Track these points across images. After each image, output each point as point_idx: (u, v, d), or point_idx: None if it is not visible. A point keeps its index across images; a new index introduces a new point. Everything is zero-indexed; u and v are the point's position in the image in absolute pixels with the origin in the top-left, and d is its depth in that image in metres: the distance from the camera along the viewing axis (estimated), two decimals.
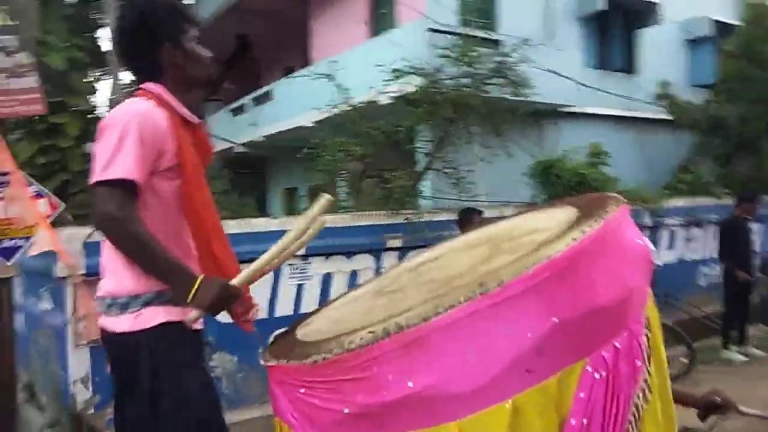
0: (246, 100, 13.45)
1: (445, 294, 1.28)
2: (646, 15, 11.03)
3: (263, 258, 1.68)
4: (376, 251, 5.58)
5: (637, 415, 1.34)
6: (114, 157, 1.58)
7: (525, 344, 1.23)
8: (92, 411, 4.22)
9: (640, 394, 1.35)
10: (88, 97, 10.86)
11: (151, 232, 1.60)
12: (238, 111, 13.95)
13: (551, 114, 9.57)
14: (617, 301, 1.33)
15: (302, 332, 1.60)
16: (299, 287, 5.16)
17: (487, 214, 5.68)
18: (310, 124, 8.93)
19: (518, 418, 1.23)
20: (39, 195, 3.99)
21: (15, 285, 5.91)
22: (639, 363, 1.36)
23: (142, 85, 1.78)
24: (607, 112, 10.43)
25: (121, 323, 1.66)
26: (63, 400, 4.35)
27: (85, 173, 9.94)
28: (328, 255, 5.26)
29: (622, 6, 10.74)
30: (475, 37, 7.27)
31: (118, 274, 1.68)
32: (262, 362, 1.47)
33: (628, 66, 11.27)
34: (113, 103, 9.98)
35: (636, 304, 1.40)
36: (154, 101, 1.70)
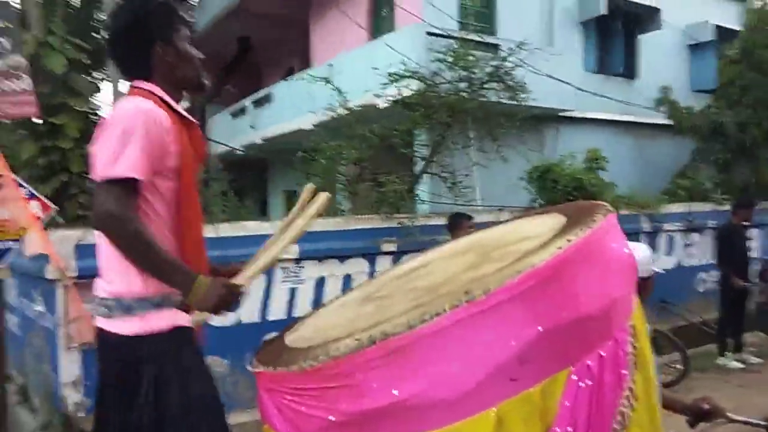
0: (246, 102, 13.47)
1: (431, 301, 1.29)
2: (647, 20, 11.04)
3: (264, 257, 1.66)
4: (370, 255, 5.55)
5: (622, 424, 1.35)
6: (118, 154, 1.55)
7: (509, 352, 1.23)
8: (83, 414, 4.20)
9: (626, 403, 1.35)
10: (89, 98, 10.87)
11: (151, 232, 1.58)
12: (238, 113, 13.97)
13: (551, 118, 9.58)
14: (602, 309, 1.33)
15: (290, 338, 1.60)
16: (292, 291, 5.14)
17: (482, 218, 5.68)
18: (309, 127, 8.94)
19: (502, 427, 1.23)
20: (31, 197, 3.99)
21: (9, 287, 5.93)
22: (624, 371, 1.36)
23: (135, 83, 1.76)
24: (607, 117, 10.44)
25: (126, 326, 1.62)
26: (54, 403, 4.34)
27: (85, 174, 9.95)
28: (321, 259, 5.24)
29: (623, 11, 10.74)
30: (473, 41, 7.28)
31: (123, 276, 1.63)
32: (249, 368, 1.48)
33: (628, 71, 11.26)
34: (114, 104, 10.01)
35: (621, 312, 1.41)
36: (153, 100, 1.68)
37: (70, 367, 4.20)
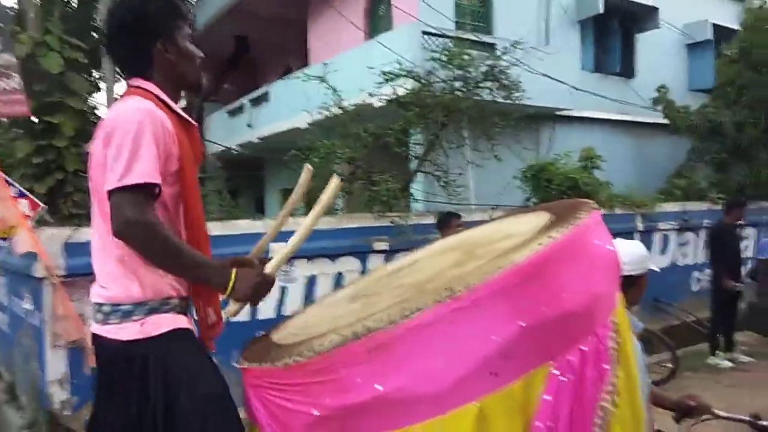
0: (243, 101, 13.47)
1: (414, 298, 1.30)
2: (645, 19, 11.04)
3: (289, 245, 1.67)
4: (362, 254, 5.54)
5: (604, 418, 1.36)
6: (132, 160, 1.50)
7: (491, 347, 1.25)
8: (69, 412, 4.20)
9: (607, 398, 1.36)
10: (86, 97, 10.87)
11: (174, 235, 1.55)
12: (235, 112, 13.96)
13: (547, 117, 9.59)
14: (584, 305, 1.35)
15: (277, 336, 1.62)
16: (283, 290, 5.13)
17: (476, 217, 5.69)
18: (305, 126, 8.95)
19: (484, 421, 1.25)
20: (20, 195, 3.99)
21: None
22: (606, 366, 1.38)
23: (132, 82, 1.72)
24: (604, 116, 10.45)
25: (125, 331, 1.57)
26: (41, 401, 4.33)
27: (80, 173, 9.95)
28: (311, 257, 5.23)
29: (621, 10, 10.75)
30: (469, 40, 7.29)
31: (121, 281, 1.59)
32: (235, 365, 1.49)
33: (626, 70, 11.27)
34: (111, 103, 10.01)
35: (603, 309, 1.42)
36: (152, 101, 1.63)
37: (56, 364, 4.18)
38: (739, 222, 6.53)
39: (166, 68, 1.71)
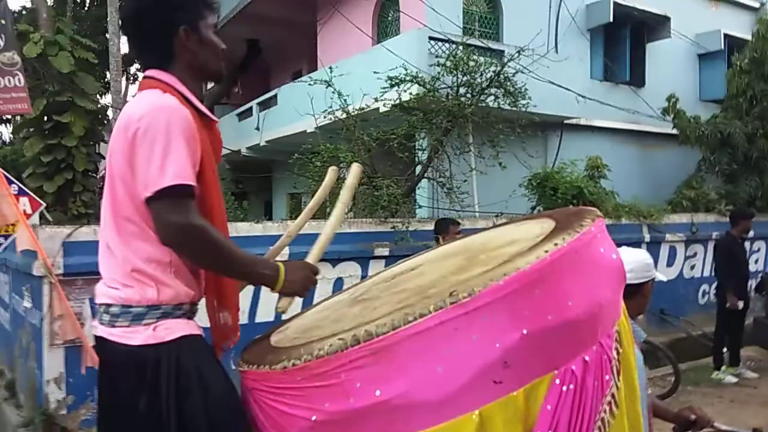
0: (252, 104, 13.52)
1: (417, 303, 1.28)
2: (656, 28, 10.99)
3: (321, 237, 1.69)
4: (363, 259, 5.51)
5: (602, 429, 1.34)
6: (166, 162, 1.43)
7: (493, 355, 1.23)
8: (65, 412, 4.20)
9: (607, 409, 1.35)
10: (96, 97, 10.95)
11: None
12: (245, 115, 14.02)
13: (555, 125, 9.56)
14: (588, 314, 1.33)
15: (276, 338, 1.61)
16: (281, 293, 5.10)
17: (480, 225, 5.66)
18: (312, 130, 8.97)
19: (485, 429, 1.23)
20: (20, 193, 3.99)
21: (1, 283, 5.95)
22: (608, 377, 1.36)
23: (150, 73, 1.61)
24: (613, 125, 10.40)
25: (135, 335, 1.49)
26: (38, 400, 4.33)
27: (89, 173, 10.01)
28: None
29: (631, 19, 10.71)
30: (476, 46, 7.28)
31: (136, 282, 1.51)
32: (233, 367, 1.48)
33: (636, 79, 11.20)
34: (117, 103, 10.06)
35: (607, 318, 1.40)
36: (174, 95, 1.53)
37: (53, 364, 4.18)
38: (747, 234, 6.44)
39: (188, 58, 1.62)
